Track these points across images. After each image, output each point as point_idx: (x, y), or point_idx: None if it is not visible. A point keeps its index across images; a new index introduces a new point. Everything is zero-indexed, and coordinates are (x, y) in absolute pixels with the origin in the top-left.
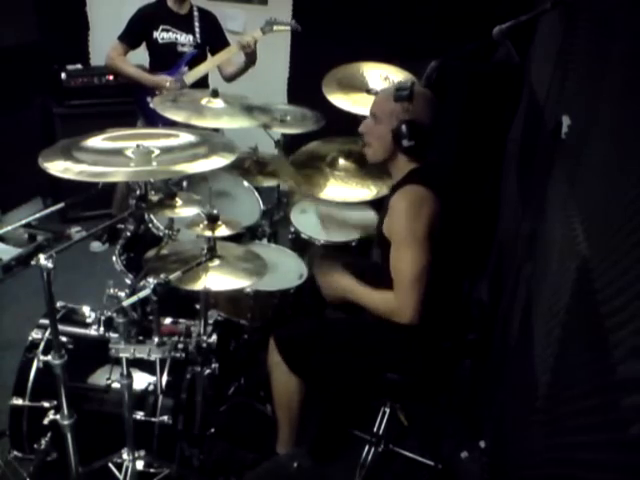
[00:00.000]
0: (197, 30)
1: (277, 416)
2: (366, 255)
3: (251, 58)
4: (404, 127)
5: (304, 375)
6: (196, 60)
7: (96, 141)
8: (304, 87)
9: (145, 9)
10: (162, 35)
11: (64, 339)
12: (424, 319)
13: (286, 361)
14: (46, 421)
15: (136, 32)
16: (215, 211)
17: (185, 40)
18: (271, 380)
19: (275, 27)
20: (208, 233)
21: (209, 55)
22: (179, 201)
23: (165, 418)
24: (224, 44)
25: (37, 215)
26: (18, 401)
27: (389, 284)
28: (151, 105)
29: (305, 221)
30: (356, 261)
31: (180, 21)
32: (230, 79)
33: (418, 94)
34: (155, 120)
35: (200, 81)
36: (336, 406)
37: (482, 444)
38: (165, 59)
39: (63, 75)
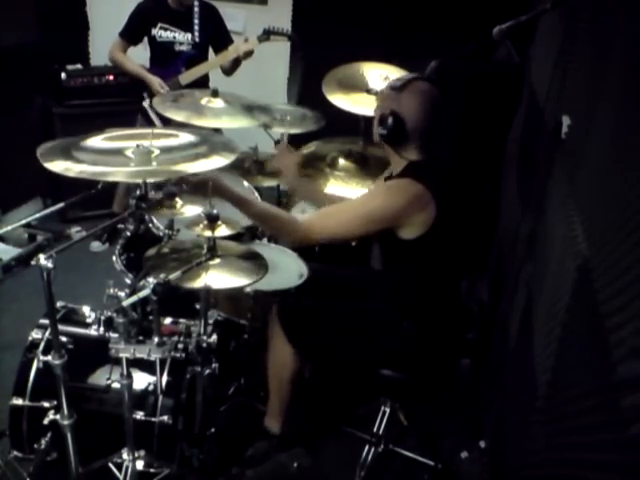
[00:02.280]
0: (196, 28)
1: (269, 386)
2: (365, 259)
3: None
4: (385, 116)
5: (300, 348)
6: (195, 59)
7: (96, 141)
8: (304, 87)
9: (144, 5)
10: (160, 33)
11: (64, 339)
12: (420, 312)
13: (285, 331)
14: (46, 421)
15: (135, 28)
16: (215, 211)
17: (183, 39)
18: (269, 347)
19: (272, 37)
20: (208, 233)
21: (210, 51)
22: (179, 201)
23: (165, 418)
24: (226, 40)
25: (37, 215)
26: (18, 401)
27: (385, 287)
28: (144, 103)
29: None
30: (350, 270)
31: (179, 19)
32: (229, 73)
33: (411, 90)
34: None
35: (201, 81)
36: (330, 400)
37: (482, 444)
38: (163, 57)
39: (63, 75)
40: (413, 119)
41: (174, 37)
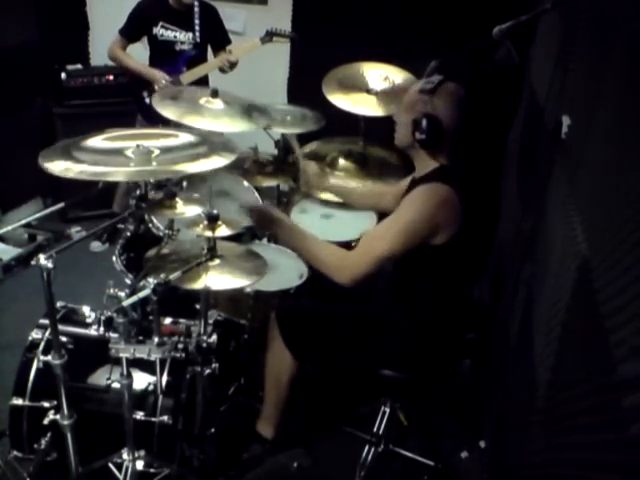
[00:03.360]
0: (197, 28)
1: (264, 392)
2: None
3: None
4: (421, 120)
5: (298, 353)
6: (195, 59)
7: (96, 141)
8: (304, 87)
9: (144, 3)
10: (161, 32)
11: (64, 339)
12: (426, 315)
13: (283, 336)
14: (46, 421)
15: (135, 27)
16: (215, 211)
17: (184, 38)
18: (267, 353)
19: (275, 39)
20: (208, 233)
21: (210, 50)
22: (179, 201)
23: (165, 418)
24: (224, 41)
25: (37, 215)
26: (18, 401)
27: (391, 288)
28: (146, 100)
29: (305, 221)
30: None
31: (180, 18)
32: (225, 71)
33: (444, 91)
34: (152, 116)
35: (200, 79)
36: (330, 400)
37: (482, 444)
38: (163, 56)
39: (63, 75)
40: (449, 120)
41: (175, 36)
